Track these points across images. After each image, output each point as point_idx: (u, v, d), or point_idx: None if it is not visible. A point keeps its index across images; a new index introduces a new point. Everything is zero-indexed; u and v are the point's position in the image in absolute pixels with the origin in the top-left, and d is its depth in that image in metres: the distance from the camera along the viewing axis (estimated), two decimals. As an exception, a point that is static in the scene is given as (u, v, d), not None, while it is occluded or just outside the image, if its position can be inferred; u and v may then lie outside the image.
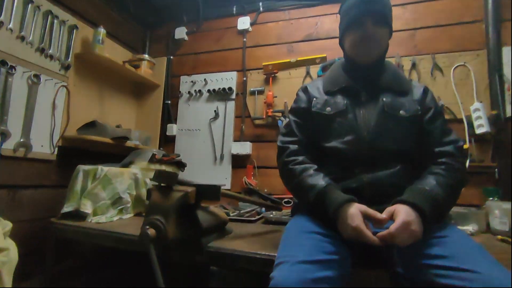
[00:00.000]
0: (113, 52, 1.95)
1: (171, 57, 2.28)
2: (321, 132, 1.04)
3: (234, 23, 2.12)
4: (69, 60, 1.69)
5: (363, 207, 0.83)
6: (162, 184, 0.98)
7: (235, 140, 2.01)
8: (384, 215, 0.81)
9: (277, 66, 1.95)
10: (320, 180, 0.92)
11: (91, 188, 1.37)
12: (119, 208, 1.43)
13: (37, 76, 1.53)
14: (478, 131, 1.55)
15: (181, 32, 2.25)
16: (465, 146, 1.57)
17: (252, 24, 2.10)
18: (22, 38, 1.47)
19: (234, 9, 2.14)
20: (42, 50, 1.56)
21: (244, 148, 1.94)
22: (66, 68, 1.69)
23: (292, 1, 2.03)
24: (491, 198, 1.43)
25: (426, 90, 1.04)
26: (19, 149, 1.46)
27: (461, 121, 1.63)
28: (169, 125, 2.18)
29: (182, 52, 2.29)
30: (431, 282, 0.71)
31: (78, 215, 1.35)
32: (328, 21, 1.95)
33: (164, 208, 0.92)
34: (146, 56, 2.17)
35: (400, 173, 0.93)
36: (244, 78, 2.05)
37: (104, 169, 1.41)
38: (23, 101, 1.49)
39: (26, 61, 1.49)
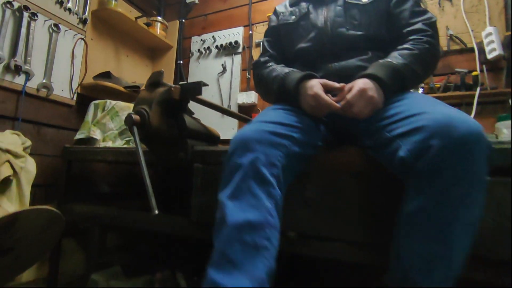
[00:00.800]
0: (127, 13, 2.09)
1: (183, 20, 2.38)
2: (289, 41, 1.06)
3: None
4: (85, 15, 1.86)
5: (323, 80, 0.84)
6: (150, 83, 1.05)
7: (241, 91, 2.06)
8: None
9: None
10: (283, 70, 0.94)
11: (100, 118, 1.49)
12: (126, 139, 1.54)
13: (56, 26, 1.69)
14: (490, 55, 1.45)
15: (191, -6, 2.36)
16: (475, 73, 1.48)
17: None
18: (43, -10, 1.64)
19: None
20: (61, 3, 1.72)
21: (249, 97, 1.98)
22: (84, 22, 1.85)
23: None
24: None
25: None
26: (41, 89, 1.62)
27: (472, 50, 1.54)
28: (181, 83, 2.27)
29: (193, 15, 2.39)
30: (386, 139, 0.70)
31: (89, 142, 1.47)
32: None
33: (149, 100, 0.99)
34: (159, 18, 2.30)
35: (372, 60, 0.91)
36: (250, 32, 2.10)
37: (112, 102, 1.53)
38: (45, 47, 1.65)
39: (46, 11, 1.65)
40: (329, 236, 0.85)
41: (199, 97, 1.07)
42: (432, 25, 0.92)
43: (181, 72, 2.31)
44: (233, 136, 0.74)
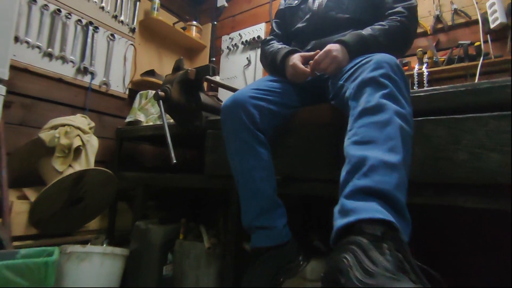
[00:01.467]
0: (168, 20, 2.48)
1: (215, 23, 2.71)
2: (291, 21, 1.27)
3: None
4: (134, 24, 2.28)
5: (302, 53, 1.04)
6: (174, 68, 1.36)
7: (263, 80, 2.30)
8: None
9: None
10: (277, 47, 1.16)
11: (144, 104, 1.86)
12: (164, 121, 1.89)
13: (112, 35, 2.13)
14: (493, 24, 1.48)
15: (221, 0, 2.67)
16: (477, 44, 1.52)
17: (276, -21, 2.37)
18: (102, 8, 2.09)
19: (261, -31, 2.45)
20: (115, 17, 2.16)
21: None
22: (133, 30, 2.27)
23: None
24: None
25: None
26: (102, 86, 2.06)
27: (476, 22, 1.57)
28: (213, 77, 2.59)
29: (223, 17, 2.70)
30: (340, 86, 0.88)
31: (136, 124, 1.85)
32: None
33: (171, 80, 1.29)
34: (195, 22, 2.66)
35: None
36: (271, 26, 2.32)
37: (152, 92, 1.89)
38: (104, 52, 2.10)
39: (105, 24, 2.10)
40: (307, 176, 1.04)
41: (209, 77, 1.34)
42: (410, 8, 1.05)
43: (213, 67, 2.63)
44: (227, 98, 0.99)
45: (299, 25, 1.21)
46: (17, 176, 1.54)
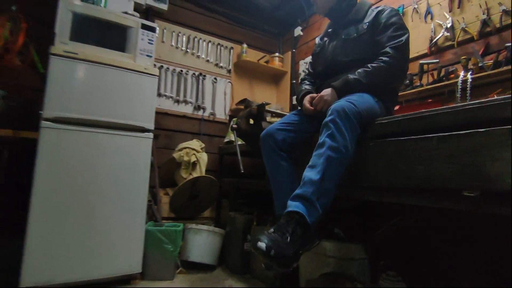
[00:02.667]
0: (256, 56, 3.16)
1: (294, 50, 3.23)
2: (316, 64, 1.68)
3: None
4: (230, 67, 3.06)
5: (311, 95, 1.45)
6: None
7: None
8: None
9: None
10: (302, 87, 1.60)
11: (235, 128, 2.56)
12: (249, 139, 2.53)
13: (215, 78, 2.96)
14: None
15: (297, 31, 3.16)
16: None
17: (338, 6, 2.69)
18: (208, 61, 2.94)
19: None
20: (217, 64, 2.99)
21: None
22: (229, 71, 3.05)
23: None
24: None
25: (381, 12, 1.43)
26: (210, 116, 2.91)
27: (525, 21, 1.54)
28: (293, 97, 3.12)
29: (299, 45, 3.19)
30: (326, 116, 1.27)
31: (230, 142, 2.57)
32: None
33: (242, 115, 1.91)
34: (277, 54, 3.25)
35: None
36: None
37: (240, 118, 2.57)
38: (210, 92, 2.94)
39: (210, 72, 2.94)
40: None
41: (267, 110, 1.89)
42: (398, 48, 1.32)
43: (293, 88, 3.15)
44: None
45: (319, 68, 1.61)
46: (163, 181, 2.48)
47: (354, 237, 1.50)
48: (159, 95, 2.67)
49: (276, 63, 3.21)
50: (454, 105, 0.94)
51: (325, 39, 1.64)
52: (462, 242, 1.27)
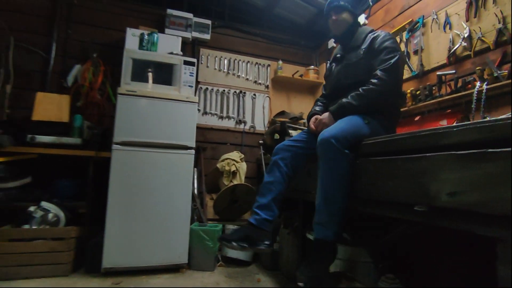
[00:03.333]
0: (292, 70, 3.40)
1: (328, 61, 3.37)
2: (326, 86, 1.88)
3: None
4: (268, 83, 3.35)
5: (316, 116, 1.66)
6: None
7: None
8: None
9: (380, 42, 2.53)
10: (313, 108, 1.81)
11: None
12: (282, 149, 2.79)
13: (254, 94, 3.29)
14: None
15: (331, 43, 3.31)
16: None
17: (366, 18, 2.78)
18: (247, 79, 3.29)
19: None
20: (255, 81, 3.32)
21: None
22: (267, 87, 3.35)
23: (390, -14, 2.52)
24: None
25: (374, 38, 1.58)
26: (250, 128, 3.25)
27: (541, 29, 1.51)
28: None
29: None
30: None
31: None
32: (418, -13, 2.27)
33: (267, 132, 2.20)
34: (312, 66, 3.44)
35: None
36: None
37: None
38: (250, 107, 3.28)
39: (249, 89, 3.29)
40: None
41: (289, 125, 2.14)
42: (387, 69, 1.46)
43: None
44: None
45: (328, 90, 1.81)
46: (209, 187, 2.90)
47: (361, 242, 1.66)
48: (205, 113, 3.11)
49: (311, 75, 3.40)
50: (429, 128, 1.09)
51: (333, 64, 1.83)
52: (446, 249, 1.35)
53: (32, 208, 2.00)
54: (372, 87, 1.47)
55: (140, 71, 2.23)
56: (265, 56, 3.42)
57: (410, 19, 2.26)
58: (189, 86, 2.32)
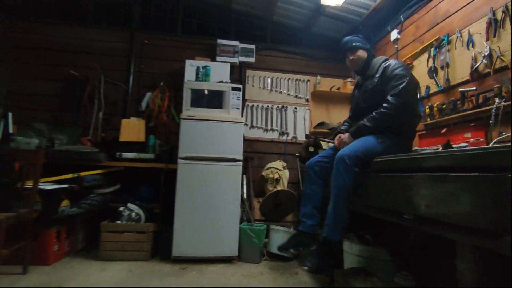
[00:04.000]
0: (330, 83, 3.66)
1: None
2: (351, 109, 2.16)
3: (388, 38, 3.06)
4: (308, 97, 3.67)
5: (339, 134, 1.96)
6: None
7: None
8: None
9: (411, 58, 2.68)
10: (339, 127, 2.11)
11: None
12: (320, 159, 3.09)
13: (295, 108, 3.63)
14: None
15: (367, 55, 3.49)
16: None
17: (399, 33, 2.93)
18: (288, 94, 3.65)
19: (389, 27, 3.08)
20: (296, 96, 3.66)
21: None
22: (307, 100, 3.67)
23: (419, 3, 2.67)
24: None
25: (386, 67, 1.82)
26: (293, 139, 3.59)
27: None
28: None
29: (370, 68, 3.50)
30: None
31: (306, 161, 3.19)
32: (444, 5, 2.40)
33: (303, 146, 2.53)
34: (349, 79, 3.65)
35: None
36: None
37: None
38: (292, 119, 3.63)
39: (290, 103, 3.64)
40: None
41: (321, 139, 2.45)
42: (396, 94, 1.71)
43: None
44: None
45: (351, 112, 2.09)
46: (256, 192, 3.32)
47: (381, 243, 1.91)
48: (252, 127, 3.56)
49: (348, 87, 3.62)
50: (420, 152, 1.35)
51: (355, 90, 2.11)
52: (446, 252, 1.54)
53: (121, 208, 2.64)
54: (383, 111, 1.73)
55: (197, 98, 2.75)
56: (304, 72, 3.74)
57: (437, 36, 2.40)
58: (236, 108, 2.77)
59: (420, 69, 2.58)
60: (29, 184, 2.18)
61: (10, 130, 2.91)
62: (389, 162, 1.46)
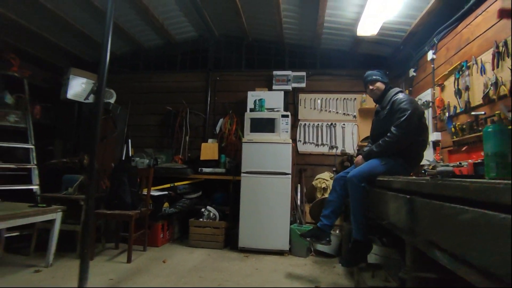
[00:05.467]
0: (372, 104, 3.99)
1: (411, 89, 3.79)
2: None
3: (426, 57, 3.30)
4: (355, 113, 4.08)
5: (360, 154, 2.45)
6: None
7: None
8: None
9: (442, 78, 2.93)
10: (362, 147, 2.60)
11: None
12: (363, 170, 3.51)
13: (344, 124, 4.09)
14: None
15: (411, 72, 3.73)
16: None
17: (434, 53, 3.16)
18: (337, 113, 4.13)
19: (426, 47, 3.32)
20: (344, 113, 4.11)
21: (437, 135, 3.06)
22: (354, 116, 4.08)
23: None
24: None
25: (394, 101, 2.24)
26: (341, 152, 4.06)
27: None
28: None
29: (415, 83, 3.73)
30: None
31: (350, 173, 3.65)
32: (466, 32, 2.62)
33: (338, 162, 3.05)
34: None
35: None
36: (433, 91, 3.15)
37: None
38: (341, 134, 4.10)
39: (339, 120, 4.11)
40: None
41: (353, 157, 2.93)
42: (398, 125, 2.14)
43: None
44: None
45: (371, 137, 2.55)
46: (308, 198, 3.91)
47: (393, 244, 2.33)
48: (305, 142, 4.16)
49: (394, 102, 3.90)
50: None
51: (375, 116, 2.56)
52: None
53: (203, 210, 3.58)
54: (387, 139, 2.18)
55: (255, 124, 3.53)
56: (351, 91, 4.17)
57: (460, 61, 2.63)
58: (285, 131, 3.44)
59: (450, 89, 2.81)
60: (145, 191, 3.27)
61: (130, 153, 4.19)
62: (380, 181, 1.94)
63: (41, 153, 3.72)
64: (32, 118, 3.71)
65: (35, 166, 3.50)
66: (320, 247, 3.25)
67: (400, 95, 2.30)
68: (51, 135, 4.08)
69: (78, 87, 4.01)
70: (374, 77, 2.47)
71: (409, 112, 2.16)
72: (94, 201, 2.44)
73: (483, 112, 2.27)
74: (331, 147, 4.11)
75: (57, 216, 2.68)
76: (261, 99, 3.69)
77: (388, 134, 2.19)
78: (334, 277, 2.65)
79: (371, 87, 2.48)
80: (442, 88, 2.95)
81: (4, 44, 3.80)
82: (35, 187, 3.39)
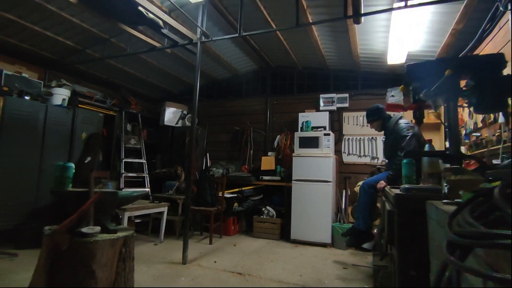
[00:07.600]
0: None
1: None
2: None
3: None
4: (393, 127, 4.62)
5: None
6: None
7: (458, 146, 3.59)
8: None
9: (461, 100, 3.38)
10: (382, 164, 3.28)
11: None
12: (397, 179, 4.07)
13: (383, 138, 4.66)
14: None
15: (445, 90, 4.14)
16: None
17: (458, 77, 3.60)
18: (361, 125, 4.72)
19: (453, 71, 3.75)
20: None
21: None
22: (393, 131, 4.62)
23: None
24: None
25: (398, 128, 2.89)
26: (382, 162, 4.63)
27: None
28: (446, 141, 4.11)
29: (448, 100, 4.13)
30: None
31: (387, 181, 4.23)
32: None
33: (369, 172, 3.73)
34: (431, 110, 4.35)
35: (391, 163, 2.98)
36: (459, 109, 3.59)
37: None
38: (381, 146, 4.67)
39: (379, 134, 4.70)
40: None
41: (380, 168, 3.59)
42: (403, 149, 2.82)
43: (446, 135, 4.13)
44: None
45: (384, 154, 3.21)
46: (351, 202, 4.59)
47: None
48: (349, 154, 4.86)
49: (430, 117, 4.33)
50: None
51: (385, 138, 3.22)
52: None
53: (263, 209, 4.59)
54: (396, 162, 2.85)
55: (303, 141, 4.41)
56: (390, 108, 4.70)
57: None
58: (327, 147, 4.23)
59: (466, 110, 3.26)
60: (220, 194, 4.43)
61: (208, 164, 5.46)
62: (384, 190, 2.66)
63: (148, 165, 5.23)
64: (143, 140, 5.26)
65: (147, 175, 5.00)
66: (366, 244, 3.94)
67: (400, 122, 2.95)
68: (154, 152, 5.61)
69: (170, 115, 5.46)
70: (369, 118, 3.19)
71: (407, 138, 2.80)
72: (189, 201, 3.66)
73: (478, 134, 2.75)
74: (372, 158, 4.71)
75: (165, 209, 4.00)
76: (307, 120, 4.55)
77: (397, 157, 2.86)
78: (361, 262, 3.37)
79: (370, 125, 3.19)
80: (463, 108, 3.40)
81: (126, 89, 5.46)
82: (147, 189, 4.86)
